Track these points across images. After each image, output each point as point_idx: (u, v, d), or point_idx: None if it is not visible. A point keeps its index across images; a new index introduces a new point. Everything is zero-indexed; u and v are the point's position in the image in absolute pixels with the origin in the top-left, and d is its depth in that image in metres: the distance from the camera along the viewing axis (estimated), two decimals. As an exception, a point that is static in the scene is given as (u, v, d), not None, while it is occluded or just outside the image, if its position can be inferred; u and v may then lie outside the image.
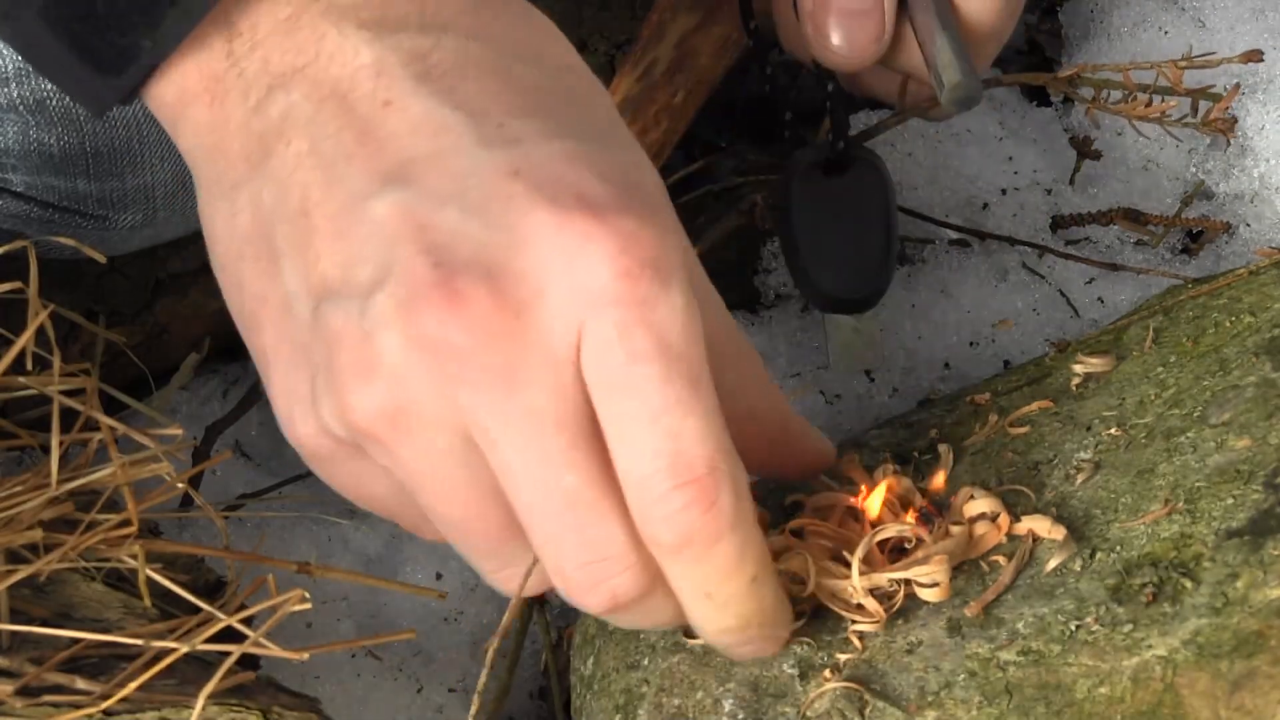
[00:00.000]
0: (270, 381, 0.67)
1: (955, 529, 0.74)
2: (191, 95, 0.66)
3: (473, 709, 0.68)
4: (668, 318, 0.62)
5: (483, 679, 0.68)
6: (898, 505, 0.76)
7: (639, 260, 0.61)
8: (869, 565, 0.72)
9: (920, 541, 0.73)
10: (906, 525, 0.73)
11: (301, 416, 0.65)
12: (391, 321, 0.61)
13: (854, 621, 0.72)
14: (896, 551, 0.74)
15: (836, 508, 0.76)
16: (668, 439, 0.62)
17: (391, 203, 0.62)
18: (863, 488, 0.76)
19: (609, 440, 0.63)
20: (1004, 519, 0.75)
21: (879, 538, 0.73)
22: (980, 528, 0.74)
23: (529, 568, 0.67)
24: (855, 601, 0.72)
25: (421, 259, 0.61)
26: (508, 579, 0.68)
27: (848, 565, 0.72)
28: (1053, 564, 0.72)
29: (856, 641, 0.72)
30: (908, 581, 0.72)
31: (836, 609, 0.72)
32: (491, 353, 0.61)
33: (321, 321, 0.63)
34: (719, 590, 0.65)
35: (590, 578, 0.64)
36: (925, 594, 0.72)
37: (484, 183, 0.62)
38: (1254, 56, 0.93)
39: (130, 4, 0.64)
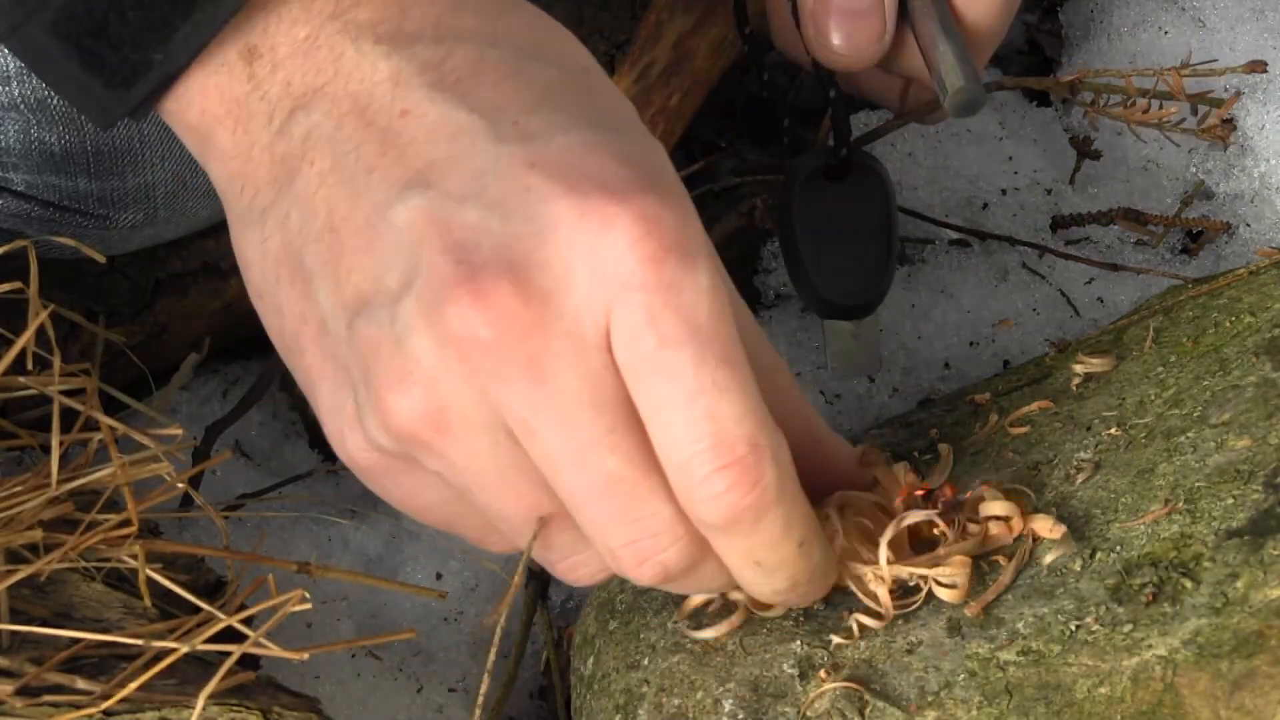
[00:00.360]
0: (317, 403, 0.67)
1: (973, 527, 0.75)
2: (214, 119, 0.66)
3: (483, 690, 0.68)
4: (695, 300, 0.62)
5: (491, 658, 0.68)
6: (920, 500, 0.76)
7: (663, 243, 0.61)
8: (896, 555, 0.73)
9: (944, 536, 0.74)
10: (935, 512, 0.73)
11: (350, 434, 0.66)
12: (420, 324, 0.62)
13: (858, 608, 0.72)
14: (921, 543, 0.75)
15: (861, 504, 0.76)
16: (706, 421, 0.62)
17: (412, 207, 0.63)
18: (901, 486, 0.76)
19: (647, 424, 0.63)
20: (1016, 521, 0.75)
21: (907, 522, 0.73)
22: (994, 527, 0.75)
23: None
24: (871, 589, 0.72)
25: (444, 259, 0.62)
26: (571, 568, 0.68)
27: (874, 550, 0.72)
28: (1049, 559, 0.73)
29: (855, 628, 0.72)
30: (925, 577, 0.73)
31: (854, 588, 0.72)
32: (520, 344, 0.61)
33: (356, 334, 0.64)
34: (768, 558, 0.66)
35: (639, 555, 0.65)
36: (943, 593, 0.72)
37: (502, 178, 0.62)
38: (1258, 67, 0.94)
39: (142, 19, 0.64)
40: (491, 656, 0.68)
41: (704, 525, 0.64)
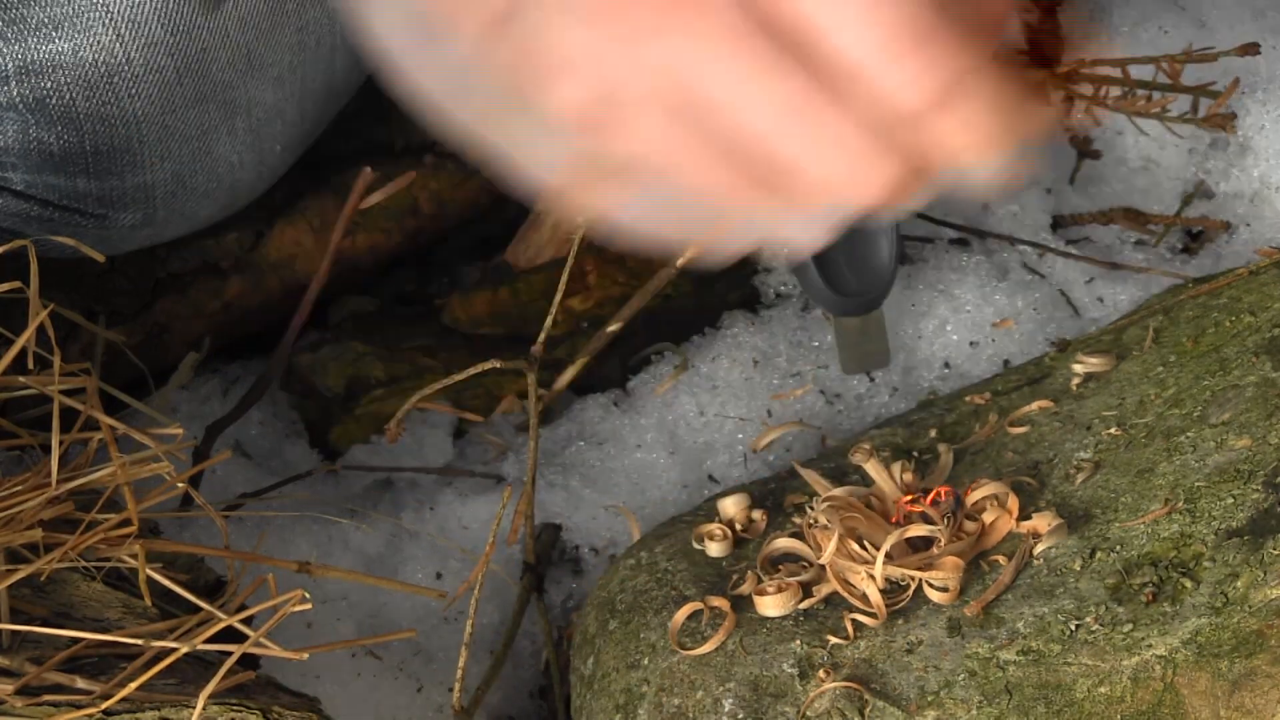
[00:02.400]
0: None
1: (970, 525, 0.75)
2: None
3: (461, 661, 0.67)
4: None
5: (468, 630, 0.68)
6: (923, 499, 0.76)
7: None
8: (890, 556, 0.73)
9: (939, 537, 0.74)
10: (937, 528, 0.73)
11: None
12: (564, 11, 0.61)
13: (854, 608, 0.72)
14: (916, 539, 0.75)
15: (855, 503, 0.76)
16: (871, 22, 0.60)
17: None
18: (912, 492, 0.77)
19: (815, 41, 0.61)
20: (1013, 501, 0.75)
21: (908, 535, 0.73)
22: (990, 515, 0.75)
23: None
24: (862, 590, 0.72)
25: None
26: (785, 225, 0.66)
27: (865, 549, 0.72)
28: (1041, 548, 0.73)
29: (849, 628, 0.72)
30: (916, 579, 0.73)
31: (841, 590, 0.72)
32: None
33: (511, 47, 0.62)
34: (985, 130, 0.62)
35: (853, 175, 0.62)
36: (934, 595, 0.72)
37: None
38: (1250, 50, 0.93)
39: None
40: (468, 629, 0.68)
41: (907, 117, 0.61)
